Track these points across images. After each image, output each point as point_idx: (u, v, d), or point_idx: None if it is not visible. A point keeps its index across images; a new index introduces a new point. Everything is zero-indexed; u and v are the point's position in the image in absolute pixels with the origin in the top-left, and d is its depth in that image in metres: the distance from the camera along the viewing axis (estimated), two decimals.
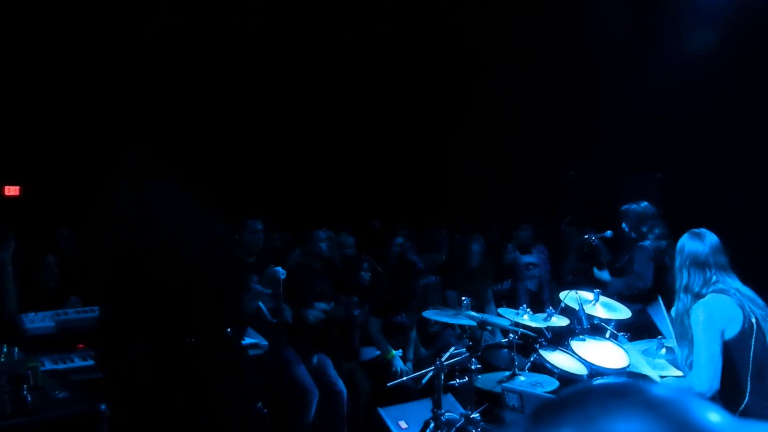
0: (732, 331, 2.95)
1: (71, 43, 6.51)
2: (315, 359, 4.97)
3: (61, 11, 6.40)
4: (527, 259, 6.85)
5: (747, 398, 2.90)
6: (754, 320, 2.94)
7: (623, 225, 5.23)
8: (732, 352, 2.95)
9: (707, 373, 2.93)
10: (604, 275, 5.22)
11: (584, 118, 7.50)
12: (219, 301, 2.82)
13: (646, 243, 5.05)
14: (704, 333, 2.97)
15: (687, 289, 3.13)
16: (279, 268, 4.31)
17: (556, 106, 7.84)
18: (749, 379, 2.91)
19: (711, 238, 3.15)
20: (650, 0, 7.00)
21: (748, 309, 2.97)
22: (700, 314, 3.01)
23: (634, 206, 5.23)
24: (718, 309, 2.99)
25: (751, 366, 2.91)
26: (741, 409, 2.89)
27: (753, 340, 2.92)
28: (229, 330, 2.80)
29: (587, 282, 5.13)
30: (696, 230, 3.21)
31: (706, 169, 6.54)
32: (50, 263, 4.67)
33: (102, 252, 2.83)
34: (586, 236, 5.51)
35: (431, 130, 9.06)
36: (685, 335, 3.12)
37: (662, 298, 4.89)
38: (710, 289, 3.05)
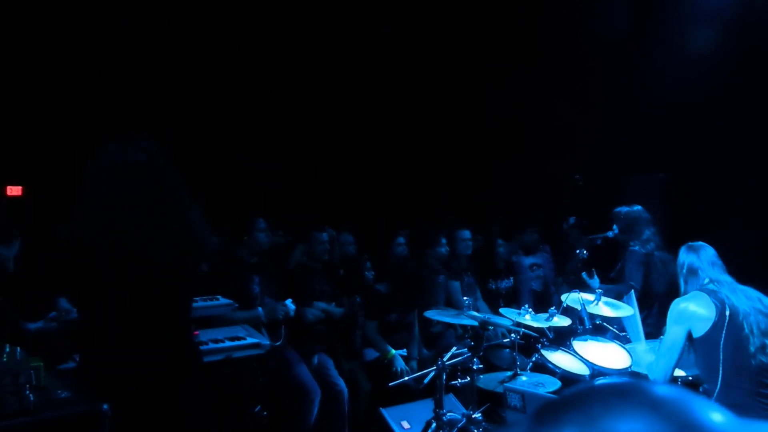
0: (702, 326, 3.04)
1: (71, 42, 6.51)
2: (316, 359, 4.98)
3: (63, 12, 6.41)
4: (531, 260, 6.83)
5: (719, 388, 2.98)
6: (728, 313, 3.01)
7: (613, 226, 5.15)
8: (705, 346, 3.05)
9: (663, 363, 3.12)
10: (594, 283, 5.10)
11: (585, 118, 7.48)
12: (177, 315, 2.57)
13: (636, 247, 4.97)
14: (672, 324, 3.14)
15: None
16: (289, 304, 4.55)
17: (557, 106, 7.82)
18: (721, 370, 2.97)
19: (706, 249, 3.30)
20: None
21: (729, 304, 3.03)
22: (674, 307, 3.17)
23: (626, 209, 5.13)
24: (691, 304, 3.11)
25: (722, 358, 2.97)
26: (714, 397, 2.98)
27: (723, 332, 2.99)
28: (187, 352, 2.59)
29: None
30: (692, 243, 3.37)
31: (708, 169, 6.51)
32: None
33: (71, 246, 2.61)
34: (590, 237, 5.49)
35: (432, 129, 9.05)
36: None
37: (651, 302, 4.90)
38: (697, 287, 3.19)
